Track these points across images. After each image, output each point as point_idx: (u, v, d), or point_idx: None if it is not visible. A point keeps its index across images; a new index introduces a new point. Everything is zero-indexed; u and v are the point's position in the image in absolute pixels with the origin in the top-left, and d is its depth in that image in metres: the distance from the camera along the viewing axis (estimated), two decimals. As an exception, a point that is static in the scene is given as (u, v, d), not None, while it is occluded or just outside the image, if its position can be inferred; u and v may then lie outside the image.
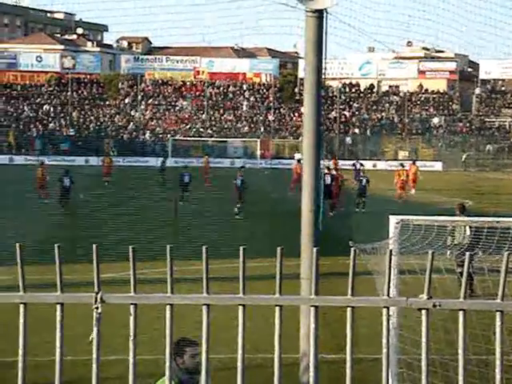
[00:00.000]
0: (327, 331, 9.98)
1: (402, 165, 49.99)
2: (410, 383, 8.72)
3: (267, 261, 16.48)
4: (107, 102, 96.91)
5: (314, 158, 5.29)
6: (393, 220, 9.97)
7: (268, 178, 61.89)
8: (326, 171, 38.19)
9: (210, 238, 26.67)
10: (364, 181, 41.35)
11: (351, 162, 60.40)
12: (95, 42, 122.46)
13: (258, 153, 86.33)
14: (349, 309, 3.33)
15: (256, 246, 22.03)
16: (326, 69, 5.38)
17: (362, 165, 57.62)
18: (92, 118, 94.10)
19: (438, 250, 9.71)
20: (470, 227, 17.27)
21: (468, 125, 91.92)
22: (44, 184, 43.93)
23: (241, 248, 3.23)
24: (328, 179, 37.80)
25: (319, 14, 6.48)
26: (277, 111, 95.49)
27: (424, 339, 3.36)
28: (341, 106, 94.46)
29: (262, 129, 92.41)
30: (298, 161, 48.59)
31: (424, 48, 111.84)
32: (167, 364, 3.34)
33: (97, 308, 3.22)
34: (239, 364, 3.30)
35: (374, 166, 76.08)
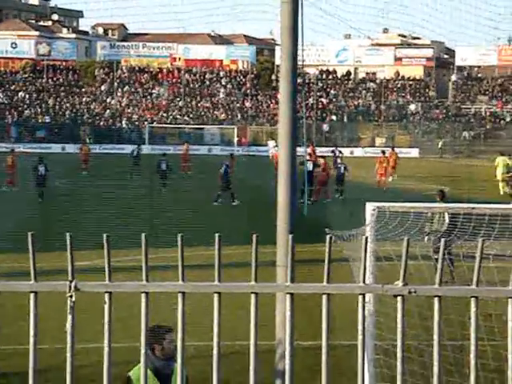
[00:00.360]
0: (304, 318, 10.00)
1: (383, 152, 50.13)
2: (386, 369, 8.76)
3: (244, 248, 16.50)
4: (83, 89, 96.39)
5: (290, 145, 5.28)
6: (369, 207, 9.99)
7: (246, 166, 61.88)
8: (308, 158, 38.25)
9: (186, 226, 26.64)
10: (342, 168, 41.44)
11: (329, 149, 60.42)
12: (70, 29, 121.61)
13: (235, 140, 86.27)
14: (324, 296, 3.33)
15: (233, 234, 22.04)
16: (302, 56, 5.38)
17: (340, 152, 57.66)
18: (68, 105, 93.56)
19: (414, 236, 9.76)
20: (449, 214, 17.39)
21: (444, 111, 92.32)
22: (13, 172, 43.39)
23: (216, 235, 3.22)
24: (310, 166, 37.84)
25: (294, 0, 6.47)
26: (254, 98, 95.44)
27: (399, 325, 3.37)
28: (318, 93, 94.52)
29: (239, 116, 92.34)
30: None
31: (400, 35, 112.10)
32: (142, 351, 3.33)
33: (71, 296, 3.20)
34: (215, 351, 3.29)
35: (352, 152, 76.18)
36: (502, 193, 40.56)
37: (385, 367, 8.93)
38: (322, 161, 41.04)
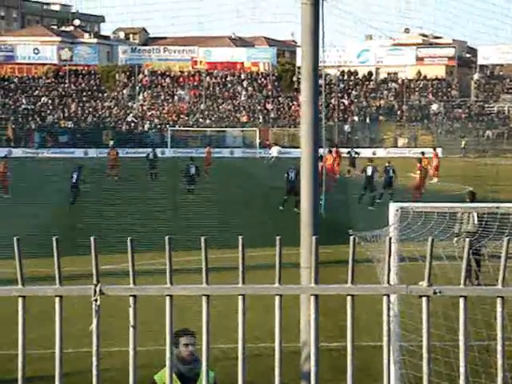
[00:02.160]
0: (329, 319, 9.98)
1: (422, 153, 48.31)
2: (411, 370, 8.72)
3: (268, 250, 16.50)
4: (105, 94, 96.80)
5: (312, 146, 5.27)
6: (392, 207, 9.97)
7: (272, 168, 61.89)
8: (368, 163, 39.05)
9: (212, 228, 26.67)
10: (391, 171, 40.21)
11: (346, 150, 60.42)
12: (92, 34, 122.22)
13: (257, 142, 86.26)
14: (349, 297, 3.32)
15: (259, 236, 22.03)
16: (323, 57, 5.37)
17: (356, 153, 57.60)
18: (90, 109, 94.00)
19: (438, 236, 9.71)
20: (478, 215, 17.31)
21: (467, 111, 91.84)
22: (5, 179, 43.01)
23: (239, 237, 3.22)
24: (369, 171, 38.61)
25: (315, 1, 6.46)
26: (275, 100, 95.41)
27: (425, 326, 3.35)
28: (339, 94, 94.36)
29: (261, 118, 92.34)
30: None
31: (422, 34, 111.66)
32: (168, 355, 3.34)
33: (96, 300, 3.21)
34: (240, 354, 3.29)
35: (374, 153, 75.98)
36: None
37: (410, 368, 8.89)
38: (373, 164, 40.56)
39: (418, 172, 40.56)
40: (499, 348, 3.33)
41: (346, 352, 3.34)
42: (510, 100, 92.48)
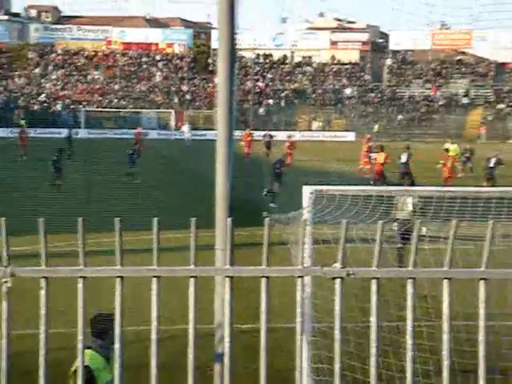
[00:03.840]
0: (243, 301, 10.01)
1: (446, 150, 43.02)
2: (323, 350, 8.84)
3: (185, 232, 16.45)
4: (16, 72, 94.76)
5: (228, 128, 5.26)
6: (306, 190, 10.04)
7: (187, 150, 61.68)
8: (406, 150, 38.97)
9: (125, 210, 26.46)
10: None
11: (262, 133, 60.75)
12: (3, 11, 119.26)
13: (173, 123, 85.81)
14: (264, 279, 3.33)
15: (173, 218, 21.94)
16: (238, 39, 5.36)
17: (271, 136, 58.02)
18: (1, 88, 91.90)
19: (353, 219, 9.83)
20: (414, 200, 17.57)
21: (379, 95, 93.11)
22: None
23: (154, 219, 3.20)
24: (404, 158, 39.07)
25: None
26: (190, 82, 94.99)
27: (338, 307, 3.40)
28: (255, 77, 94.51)
29: (176, 100, 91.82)
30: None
31: (336, 19, 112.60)
32: (79, 337, 3.30)
33: (6, 282, 3.15)
34: (153, 335, 3.28)
35: (289, 136, 76.35)
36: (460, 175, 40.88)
37: (323, 349, 9.00)
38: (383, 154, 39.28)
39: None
40: (409, 328, 3.39)
41: (260, 333, 3.36)
42: (420, 85, 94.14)
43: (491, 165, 39.20)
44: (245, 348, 10.30)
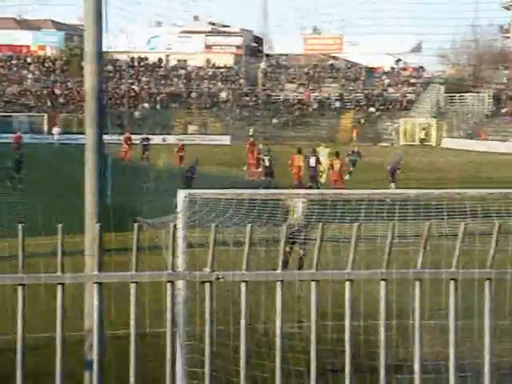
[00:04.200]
0: (116, 307, 9.94)
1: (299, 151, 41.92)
2: (198, 354, 8.85)
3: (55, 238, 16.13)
4: None
5: (97, 133, 5.21)
6: (181, 194, 10.04)
7: (57, 154, 60.59)
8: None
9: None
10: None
11: (139, 137, 60.18)
12: None
13: (45, 127, 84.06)
14: (133, 284, 3.33)
15: (42, 224, 21.49)
16: (112, 42, 5.29)
17: (148, 140, 57.60)
18: None
19: (226, 222, 9.89)
20: (304, 203, 17.69)
21: (254, 99, 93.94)
22: None
23: (20, 226, 3.14)
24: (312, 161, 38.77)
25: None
26: (63, 85, 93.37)
27: (208, 310, 3.42)
28: (129, 80, 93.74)
29: (49, 103, 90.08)
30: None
31: (211, 23, 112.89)
32: None
33: None
34: (19, 344, 3.21)
35: (164, 140, 76.08)
36: (323, 181, 40.98)
37: (196, 352, 9.01)
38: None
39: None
40: (278, 331, 3.45)
41: (130, 339, 3.35)
42: (294, 89, 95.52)
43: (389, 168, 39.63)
44: (118, 354, 10.20)
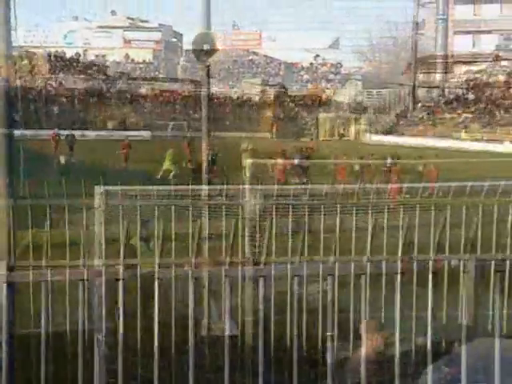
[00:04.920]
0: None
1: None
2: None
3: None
4: None
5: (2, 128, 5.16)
6: (98, 189, 10.06)
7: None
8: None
9: None
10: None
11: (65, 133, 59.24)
12: None
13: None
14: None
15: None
16: (12, 37, 5.25)
17: (73, 136, 56.77)
18: None
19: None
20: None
21: (173, 94, 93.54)
22: None
23: None
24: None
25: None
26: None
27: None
28: (46, 76, 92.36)
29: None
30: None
31: (129, 18, 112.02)
32: None
33: None
34: None
35: (83, 135, 75.10)
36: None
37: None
38: None
39: None
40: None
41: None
42: (214, 85, 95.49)
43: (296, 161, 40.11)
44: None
